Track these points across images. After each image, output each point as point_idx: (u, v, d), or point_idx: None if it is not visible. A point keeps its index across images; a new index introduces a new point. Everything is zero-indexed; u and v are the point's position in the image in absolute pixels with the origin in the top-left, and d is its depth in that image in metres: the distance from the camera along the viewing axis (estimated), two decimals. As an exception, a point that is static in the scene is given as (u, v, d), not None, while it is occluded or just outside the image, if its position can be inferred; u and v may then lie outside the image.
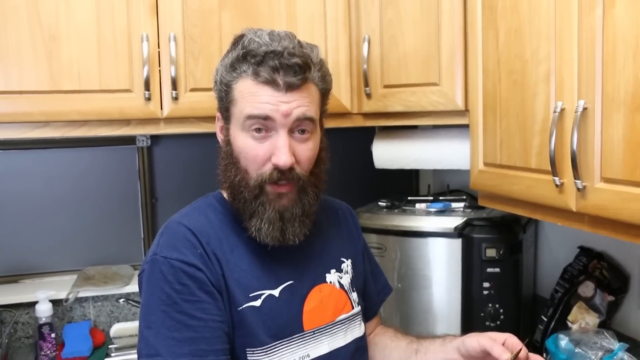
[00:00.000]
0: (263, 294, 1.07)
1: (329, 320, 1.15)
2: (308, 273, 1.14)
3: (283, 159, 1.02)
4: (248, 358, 1.05)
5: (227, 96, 1.07)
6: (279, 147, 1.02)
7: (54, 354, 1.85)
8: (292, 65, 1.01)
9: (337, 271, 1.19)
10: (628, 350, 1.40)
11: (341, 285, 1.19)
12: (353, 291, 1.22)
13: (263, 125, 1.03)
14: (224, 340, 1.02)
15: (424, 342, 1.22)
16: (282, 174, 1.04)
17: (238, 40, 1.07)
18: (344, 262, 1.22)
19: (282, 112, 1.02)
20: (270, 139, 1.03)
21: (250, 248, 1.09)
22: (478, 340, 1.08)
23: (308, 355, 1.10)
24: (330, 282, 1.17)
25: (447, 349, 1.16)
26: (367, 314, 1.30)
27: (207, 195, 1.18)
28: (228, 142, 1.08)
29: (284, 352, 1.07)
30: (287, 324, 1.09)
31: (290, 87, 1.02)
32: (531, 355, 1.05)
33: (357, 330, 1.21)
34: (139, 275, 1.08)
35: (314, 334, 1.12)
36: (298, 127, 1.04)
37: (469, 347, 1.10)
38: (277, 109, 1.01)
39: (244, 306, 1.04)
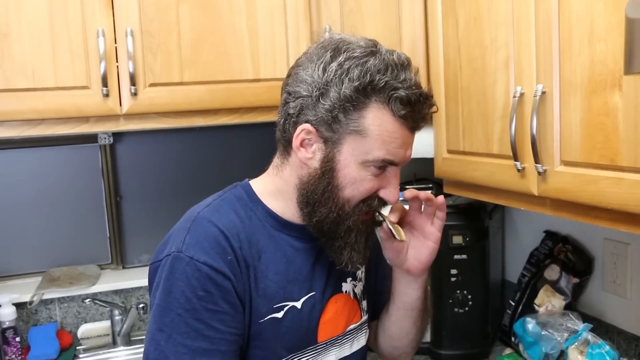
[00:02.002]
0: (286, 305, 1.02)
1: (341, 332, 1.11)
2: (328, 283, 1.08)
3: (396, 196, 1.01)
4: None
5: (347, 119, 0.95)
6: (393, 185, 1.01)
7: (19, 358, 1.80)
8: (426, 108, 0.98)
9: (352, 279, 1.14)
10: (592, 330, 1.43)
11: (354, 295, 1.15)
12: (363, 299, 1.18)
13: (387, 165, 1.00)
14: (237, 355, 0.98)
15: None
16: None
17: (364, 54, 0.95)
18: (359, 267, 1.15)
19: (407, 157, 1.00)
20: (382, 174, 1.00)
21: (275, 253, 1.03)
22: (390, 261, 1.13)
23: None
24: (346, 292, 1.12)
25: (396, 285, 1.17)
26: (378, 313, 1.26)
27: (235, 186, 1.08)
28: (330, 168, 0.98)
29: None
30: (304, 336, 1.05)
31: (415, 130, 1.00)
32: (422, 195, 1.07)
33: (362, 339, 1.18)
34: (151, 265, 1.01)
35: (326, 345, 1.08)
36: None
37: (397, 270, 1.15)
38: (404, 153, 0.99)
39: (266, 318, 0.99)
